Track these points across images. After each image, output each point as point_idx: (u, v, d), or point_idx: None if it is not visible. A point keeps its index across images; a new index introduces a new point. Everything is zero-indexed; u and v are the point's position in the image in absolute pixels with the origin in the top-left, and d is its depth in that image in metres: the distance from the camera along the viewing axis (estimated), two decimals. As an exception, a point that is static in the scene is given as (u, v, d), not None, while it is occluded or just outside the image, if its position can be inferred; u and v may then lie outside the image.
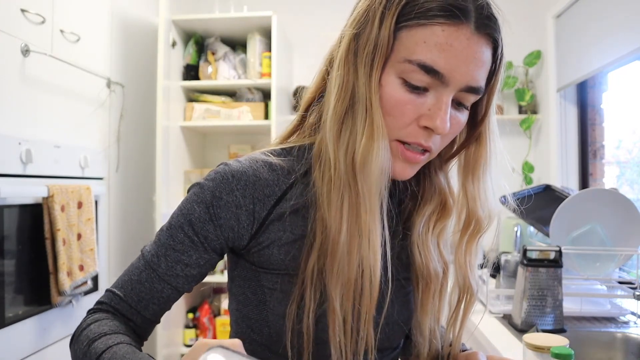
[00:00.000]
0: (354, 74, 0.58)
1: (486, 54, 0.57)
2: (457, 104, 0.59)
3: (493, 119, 0.65)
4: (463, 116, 0.61)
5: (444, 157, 0.69)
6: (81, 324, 0.62)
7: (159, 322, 0.67)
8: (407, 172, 0.61)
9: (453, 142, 0.68)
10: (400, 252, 0.69)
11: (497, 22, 0.58)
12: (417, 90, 0.56)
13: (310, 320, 0.60)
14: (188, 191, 0.66)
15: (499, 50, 0.59)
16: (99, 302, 0.65)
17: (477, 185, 0.65)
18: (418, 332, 0.69)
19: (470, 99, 0.59)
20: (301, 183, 0.64)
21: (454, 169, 0.70)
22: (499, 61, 0.60)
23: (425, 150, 0.60)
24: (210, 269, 0.66)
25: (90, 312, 0.64)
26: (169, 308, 0.66)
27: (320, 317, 0.60)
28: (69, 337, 0.64)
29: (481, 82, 0.58)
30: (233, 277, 0.69)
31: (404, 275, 0.70)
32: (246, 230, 0.62)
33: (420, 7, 0.55)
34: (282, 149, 0.68)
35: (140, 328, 0.65)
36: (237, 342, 0.48)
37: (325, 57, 0.66)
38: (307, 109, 0.70)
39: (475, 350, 0.70)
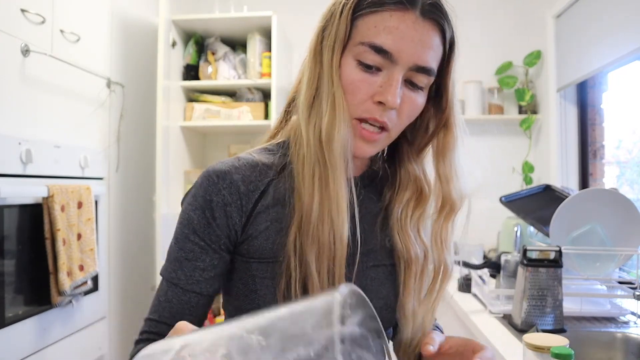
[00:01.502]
0: (319, 62, 0.66)
1: (434, 38, 0.63)
2: (410, 84, 0.65)
3: (456, 105, 0.70)
4: (419, 97, 0.66)
5: (417, 146, 0.74)
6: (130, 357, 0.65)
7: None
8: (366, 150, 0.67)
9: (426, 131, 0.73)
10: (384, 239, 0.73)
11: (443, 10, 0.64)
12: (370, 69, 0.63)
13: (298, 290, 0.64)
14: (182, 204, 0.70)
15: (447, 36, 0.65)
16: (140, 333, 0.69)
17: (448, 168, 0.71)
18: (401, 313, 0.73)
19: (422, 79, 0.65)
20: (282, 175, 0.69)
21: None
22: (449, 47, 0.66)
23: (382, 129, 0.65)
24: (225, 267, 0.69)
25: (136, 342, 0.68)
26: (205, 316, 0.70)
27: (306, 287, 0.64)
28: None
29: (430, 63, 0.63)
30: (231, 280, 0.72)
31: (390, 261, 0.74)
32: (238, 225, 0.66)
33: None
34: (264, 147, 0.74)
35: None
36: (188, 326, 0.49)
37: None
38: (289, 106, 0.76)
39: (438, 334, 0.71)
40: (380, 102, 0.63)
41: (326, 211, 0.64)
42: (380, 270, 0.73)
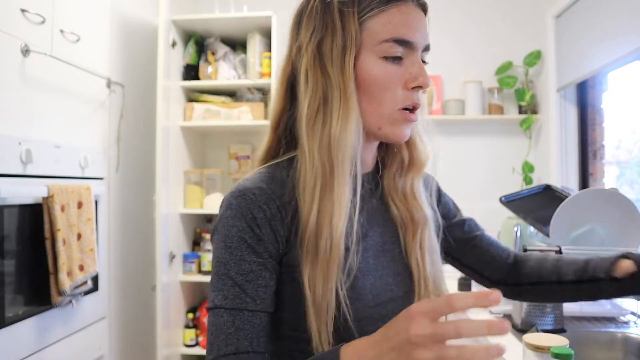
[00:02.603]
0: (322, 76, 0.68)
1: (425, 19, 0.72)
2: (422, 62, 0.72)
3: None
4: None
5: None
6: None
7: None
8: (408, 133, 0.73)
9: None
10: (385, 223, 0.78)
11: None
12: (397, 60, 0.69)
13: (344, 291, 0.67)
14: (212, 238, 0.71)
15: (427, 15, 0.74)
16: None
17: (413, 131, 0.76)
18: (412, 277, 0.77)
19: (426, 56, 0.73)
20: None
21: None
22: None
23: (414, 109, 0.71)
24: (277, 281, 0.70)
25: None
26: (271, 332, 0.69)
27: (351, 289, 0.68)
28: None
29: (429, 41, 0.72)
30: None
31: (397, 243, 0.78)
32: (283, 237, 0.68)
33: (374, 0, 0.68)
34: (276, 163, 0.74)
35: None
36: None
37: (279, 80, 0.75)
38: (275, 130, 0.77)
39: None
40: (415, 88, 0.69)
41: (325, 222, 0.66)
42: (388, 259, 0.76)
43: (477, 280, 0.92)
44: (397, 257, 0.77)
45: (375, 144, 0.78)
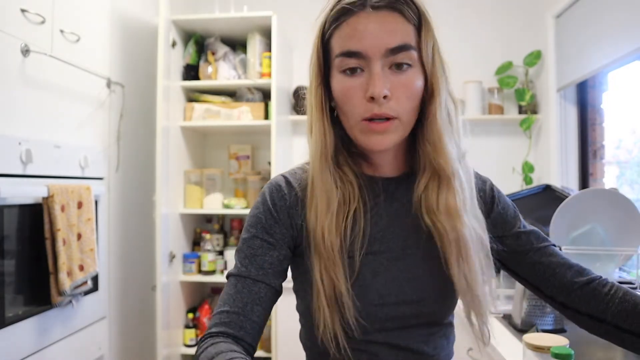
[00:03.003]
0: (308, 92, 0.76)
1: (394, 21, 0.69)
2: (396, 67, 0.69)
3: (438, 71, 0.72)
4: (407, 76, 0.70)
5: (422, 121, 0.75)
6: (198, 351, 0.68)
7: (263, 327, 0.73)
8: (382, 142, 0.71)
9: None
10: (414, 229, 0.77)
11: None
12: (354, 72, 0.70)
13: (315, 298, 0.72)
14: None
15: (408, 14, 0.69)
16: (210, 327, 0.70)
17: (437, 135, 0.73)
18: (457, 294, 0.76)
19: (403, 57, 0.69)
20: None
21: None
22: (418, 21, 0.70)
23: (387, 119, 0.69)
24: (288, 265, 0.76)
25: (205, 336, 0.69)
26: (270, 310, 0.74)
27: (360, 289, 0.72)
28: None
29: (400, 41, 0.68)
30: (295, 278, 0.80)
31: (429, 250, 0.76)
32: (299, 226, 0.75)
33: (330, 19, 0.71)
34: (301, 166, 0.82)
35: (250, 337, 0.71)
36: None
37: None
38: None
39: None
40: (371, 98, 0.68)
41: (321, 223, 0.72)
42: (407, 263, 0.76)
43: (540, 297, 0.84)
44: (419, 263, 0.76)
45: (389, 150, 0.76)
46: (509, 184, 2.54)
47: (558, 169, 2.41)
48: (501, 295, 1.52)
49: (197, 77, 2.53)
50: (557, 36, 2.43)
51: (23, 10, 1.50)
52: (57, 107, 1.70)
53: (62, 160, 1.68)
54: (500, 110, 2.66)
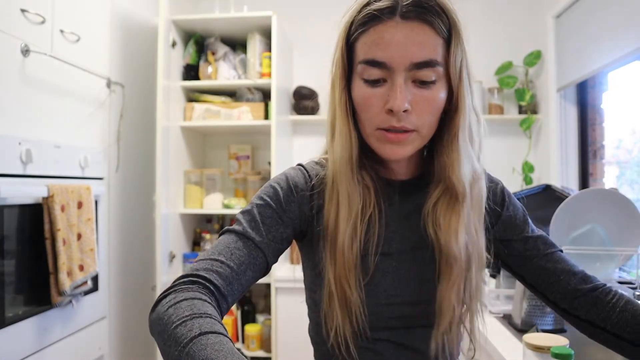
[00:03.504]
0: (331, 94, 0.75)
1: (422, 33, 0.66)
2: (419, 82, 0.67)
3: (465, 87, 0.70)
4: (432, 91, 0.68)
5: (441, 135, 0.74)
6: (172, 291, 0.59)
7: (239, 297, 0.69)
8: (397, 152, 0.71)
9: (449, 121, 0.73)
10: (418, 237, 0.76)
11: (424, 5, 0.66)
12: (376, 83, 0.68)
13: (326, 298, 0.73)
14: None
15: (438, 27, 0.67)
16: (195, 269, 0.63)
17: (455, 153, 0.71)
18: (440, 306, 0.74)
19: (428, 74, 0.67)
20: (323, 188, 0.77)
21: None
22: (447, 34, 0.68)
23: (405, 131, 0.69)
24: (287, 245, 0.75)
25: (183, 276, 0.62)
26: (255, 281, 0.70)
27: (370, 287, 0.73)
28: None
29: (426, 56, 0.66)
30: (304, 269, 0.81)
31: (427, 258, 0.76)
32: (308, 216, 0.75)
33: (357, 22, 0.69)
34: (317, 161, 0.82)
35: (231, 298, 0.65)
36: None
37: None
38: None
39: None
40: (390, 110, 0.67)
41: (340, 224, 0.71)
42: (418, 265, 0.76)
43: (545, 303, 0.84)
44: (427, 265, 0.76)
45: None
46: (509, 184, 2.52)
47: (558, 169, 2.41)
48: (501, 295, 1.52)
49: (197, 77, 2.53)
50: (557, 36, 2.43)
51: (23, 10, 1.50)
52: (57, 107, 1.70)
53: (62, 160, 1.68)
54: (500, 110, 2.66)
